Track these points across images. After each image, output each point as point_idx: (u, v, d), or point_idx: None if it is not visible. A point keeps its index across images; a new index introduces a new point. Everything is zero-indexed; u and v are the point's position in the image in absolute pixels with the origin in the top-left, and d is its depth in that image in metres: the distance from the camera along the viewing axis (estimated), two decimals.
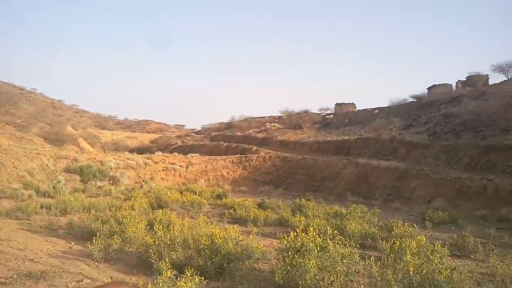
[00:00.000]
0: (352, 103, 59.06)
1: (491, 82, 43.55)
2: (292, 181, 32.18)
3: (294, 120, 53.28)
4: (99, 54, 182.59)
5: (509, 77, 40.14)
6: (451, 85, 47.04)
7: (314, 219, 13.18)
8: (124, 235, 9.71)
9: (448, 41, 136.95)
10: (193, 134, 71.06)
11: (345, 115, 52.62)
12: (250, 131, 55.84)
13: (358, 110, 55.30)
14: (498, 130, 26.29)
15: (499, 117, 26.65)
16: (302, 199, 19.92)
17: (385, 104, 48.75)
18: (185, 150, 48.65)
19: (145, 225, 10.90)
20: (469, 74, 46.08)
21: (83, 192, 19.44)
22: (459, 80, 46.91)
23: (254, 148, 42.07)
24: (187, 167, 33.87)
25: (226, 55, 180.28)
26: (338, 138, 39.96)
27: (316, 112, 57.78)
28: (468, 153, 25.88)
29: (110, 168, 27.41)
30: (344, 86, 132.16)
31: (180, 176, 32.77)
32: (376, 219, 14.75)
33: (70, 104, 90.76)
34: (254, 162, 35.36)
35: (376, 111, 48.23)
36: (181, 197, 18.55)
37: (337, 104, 59.81)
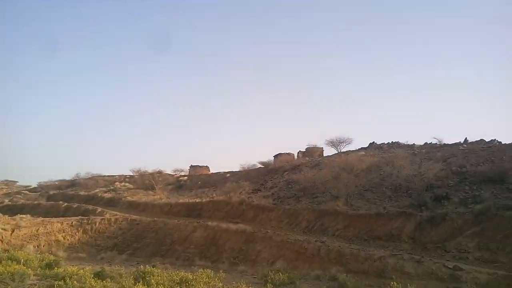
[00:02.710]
0: (207, 166, 60.68)
1: (325, 154, 50.51)
2: (139, 246, 30.10)
3: (146, 180, 51.24)
4: None
5: (339, 151, 46.97)
6: (294, 154, 52.72)
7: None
8: None
9: (294, 117, 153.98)
10: (27, 192, 62.09)
11: (198, 177, 53.24)
12: (97, 190, 51.50)
13: (212, 173, 56.81)
14: (329, 197, 29.84)
15: (330, 185, 30.35)
16: (147, 266, 18.60)
17: (236, 168, 51.22)
18: (13, 210, 41.94)
19: None
20: (308, 146, 52.85)
21: None
22: (300, 151, 53.13)
23: (99, 209, 38.62)
24: (13, 231, 28.97)
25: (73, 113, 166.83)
26: (191, 200, 39.72)
27: (170, 173, 57.02)
28: (306, 217, 28.49)
29: None
30: (200, 150, 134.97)
31: (1, 241, 27.64)
32: (221, 284, 14.57)
33: None
34: (97, 225, 32.20)
35: (228, 174, 50.13)
36: None
37: (191, 166, 60.56)
